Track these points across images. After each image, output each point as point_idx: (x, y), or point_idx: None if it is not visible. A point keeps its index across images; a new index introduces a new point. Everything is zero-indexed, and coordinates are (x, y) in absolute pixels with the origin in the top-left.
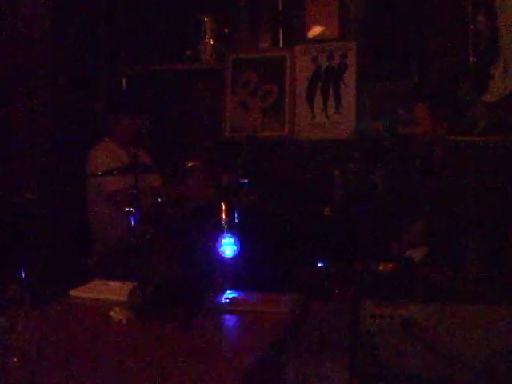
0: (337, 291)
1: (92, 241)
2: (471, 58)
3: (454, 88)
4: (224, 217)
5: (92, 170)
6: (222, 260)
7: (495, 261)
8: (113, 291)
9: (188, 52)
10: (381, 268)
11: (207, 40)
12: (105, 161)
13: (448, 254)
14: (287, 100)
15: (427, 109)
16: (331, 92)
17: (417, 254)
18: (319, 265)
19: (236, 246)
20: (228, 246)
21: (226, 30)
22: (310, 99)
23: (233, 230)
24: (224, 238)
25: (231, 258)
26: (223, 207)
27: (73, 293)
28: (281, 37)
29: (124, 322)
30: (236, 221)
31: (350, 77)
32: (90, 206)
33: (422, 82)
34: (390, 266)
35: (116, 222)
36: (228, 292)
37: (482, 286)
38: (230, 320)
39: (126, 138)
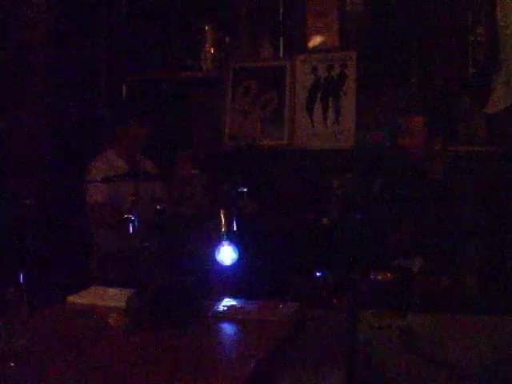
0: (334, 301)
1: (91, 247)
2: (471, 70)
3: (453, 100)
4: (223, 225)
5: (87, 179)
6: (221, 268)
7: (494, 270)
8: (111, 298)
9: (189, 61)
10: (379, 278)
11: (208, 49)
12: (100, 172)
13: (446, 263)
14: (287, 109)
15: (424, 121)
16: (331, 102)
17: (415, 264)
18: (317, 274)
19: (234, 254)
20: (226, 254)
21: (227, 39)
22: (310, 109)
23: (231, 238)
24: (223, 246)
25: (230, 266)
26: (222, 215)
27: (71, 299)
28: (281, 46)
29: (122, 328)
30: (235, 229)
31: (349, 87)
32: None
33: (419, 93)
34: (388, 275)
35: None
36: (226, 300)
37: (481, 295)
38: (227, 328)
39: (132, 146)
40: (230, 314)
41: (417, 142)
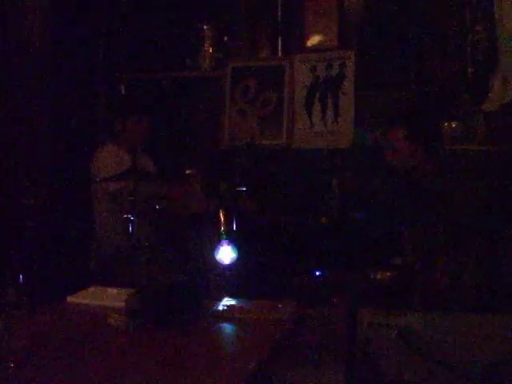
0: (334, 299)
1: (91, 247)
2: (469, 68)
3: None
4: (222, 224)
5: (95, 174)
6: (220, 267)
7: (493, 270)
8: (111, 297)
9: (187, 60)
10: (378, 276)
11: (207, 48)
12: (108, 165)
13: (447, 262)
14: (286, 108)
15: (404, 133)
16: (330, 101)
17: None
18: (316, 273)
19: (233, 253)
20: (226, 254)
21: (226, 39)
22: (309, 108)
23: (230, 237)
24: (222, 245)
25: (229, 266)
26: (221, 215)
27: (70, 299)
28: (280, 45)
29: (122, 328)
30: (234, 228)
31: (348, 86)
32: (94, 210)
33: (400, 102)
34: (388, 274)
35: (118, 227)
36: (226, 299)
37: (480, 294)
38: (227, 327)
39: (133, 140)
40: (229, 314)
41: (399, 155)
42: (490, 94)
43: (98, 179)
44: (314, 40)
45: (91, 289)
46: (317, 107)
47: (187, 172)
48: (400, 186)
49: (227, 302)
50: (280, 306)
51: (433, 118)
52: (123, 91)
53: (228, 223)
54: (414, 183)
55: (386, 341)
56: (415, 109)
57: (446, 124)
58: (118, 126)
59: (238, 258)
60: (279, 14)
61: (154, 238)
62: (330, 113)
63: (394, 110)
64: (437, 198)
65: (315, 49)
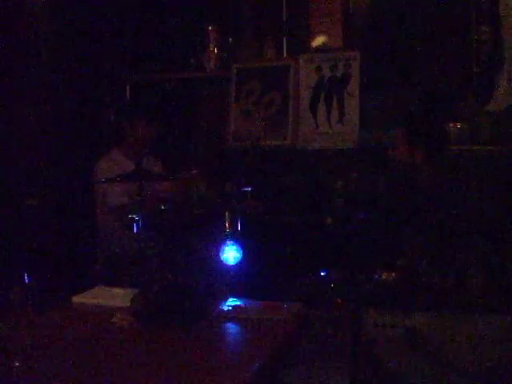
0: (338, 300)
1: (96, 247)
2: (475, 68)
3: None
4: (227, 225)
5: (95, 179)
6: (225, 267)
7: (499, 271)
8: (116, 297)
9: (192, 61)
10: (383, 277)
11: (211, 49)
12: (108, 171)
13: (451, 263)
14: (291, 109)
15: (404, 134)
16: (335, 101)
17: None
18: (321, 273)
19: (238, 253)
20: (230, 254)
21: (231, 39)
22: (314, 108)
23: (235, 237)
24: (227, 245)
25: (234, 266)
26: (226, 215)
27: (76, 299)
28: (285, 46)
29: (127, 328)
30: (239, 229)
31: (353, 86)
32: (96, 213)
33: (401, 105)
34: (393, 275)
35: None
36: (230, 300)
37: (485, 295)
38: (231, 327)
39: (140, 145)
40: (234, 314)
41: (400, 153)
42: (495, 95)
43: (103, 179)
44: (318, 40)
45: (96, 289)
46: (322, 108)
47: (192, 172)
48: (403, 187)
49: (232, 302)
50: (284, 306)
51: (435, 119)
52: (128, 92)
53: (233, 224)
54: (417, 184)
55: (391, 341)
56: (417, 110)
57: (451, 124)
58: (130, 130)
59: (243, 259)
60: (284, 14)
61: (159, 238)
62: (334, 113)
63: (397, 111)
64: (441, 198)
65: (320, 49)
